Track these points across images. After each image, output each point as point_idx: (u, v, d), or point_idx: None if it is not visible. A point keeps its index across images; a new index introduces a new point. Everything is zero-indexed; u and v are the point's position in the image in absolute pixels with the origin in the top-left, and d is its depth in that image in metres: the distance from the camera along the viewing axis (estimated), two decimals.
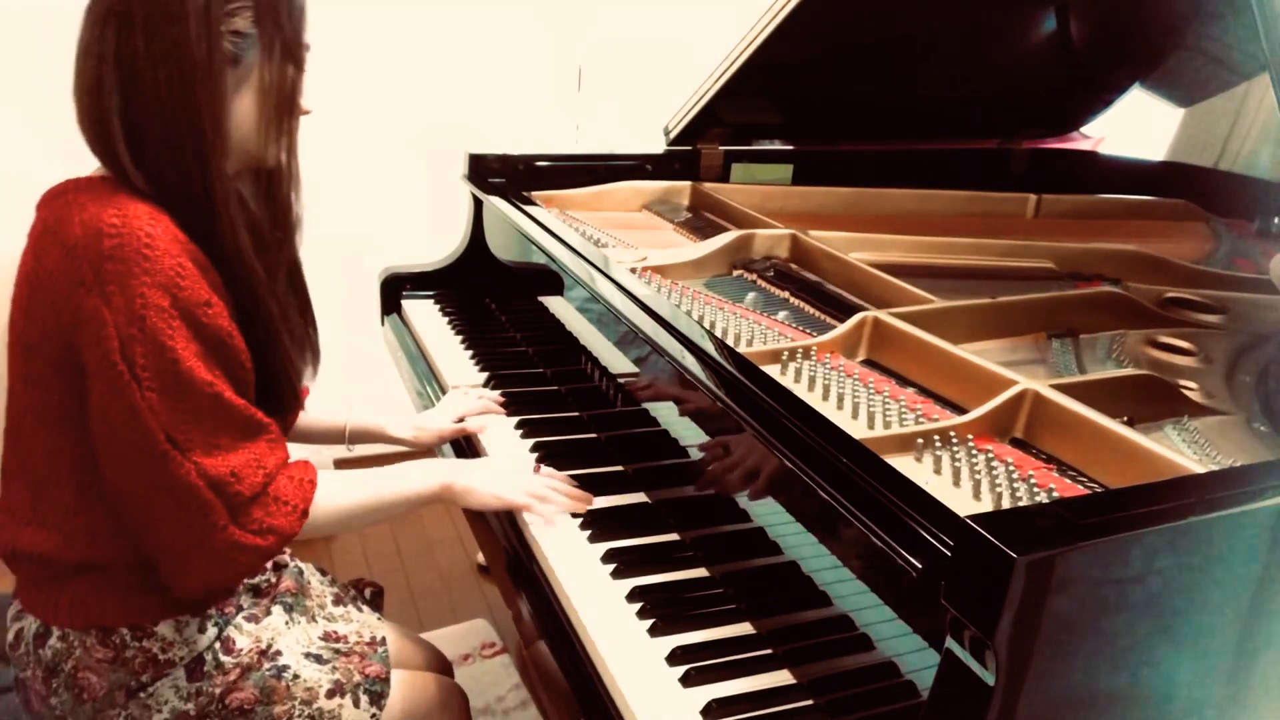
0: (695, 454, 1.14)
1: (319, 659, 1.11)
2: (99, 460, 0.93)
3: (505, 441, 1.36)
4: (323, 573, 1.27)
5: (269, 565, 1.17)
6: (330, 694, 1.08)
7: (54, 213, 0.92)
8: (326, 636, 1.15)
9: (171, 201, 0.93)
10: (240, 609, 1.09)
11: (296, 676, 1.07)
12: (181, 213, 0.93)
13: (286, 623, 1.12)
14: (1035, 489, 0.91)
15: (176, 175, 0.92)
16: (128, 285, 0.86)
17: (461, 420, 1.39)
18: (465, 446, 1.41)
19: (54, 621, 1.01)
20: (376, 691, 1.11)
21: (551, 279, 1.52)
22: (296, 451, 1.05)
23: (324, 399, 1.32)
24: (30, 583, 1.02)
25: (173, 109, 0.91)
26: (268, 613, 1.11)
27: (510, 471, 1.18)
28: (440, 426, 1.38)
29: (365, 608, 1.25)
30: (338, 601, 1.23)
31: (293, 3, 0.97)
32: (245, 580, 1.12)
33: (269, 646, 1.08)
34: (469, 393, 1.45)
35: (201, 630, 1.04)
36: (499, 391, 1.50)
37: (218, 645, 1.05)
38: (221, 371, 0.93)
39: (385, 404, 1.54)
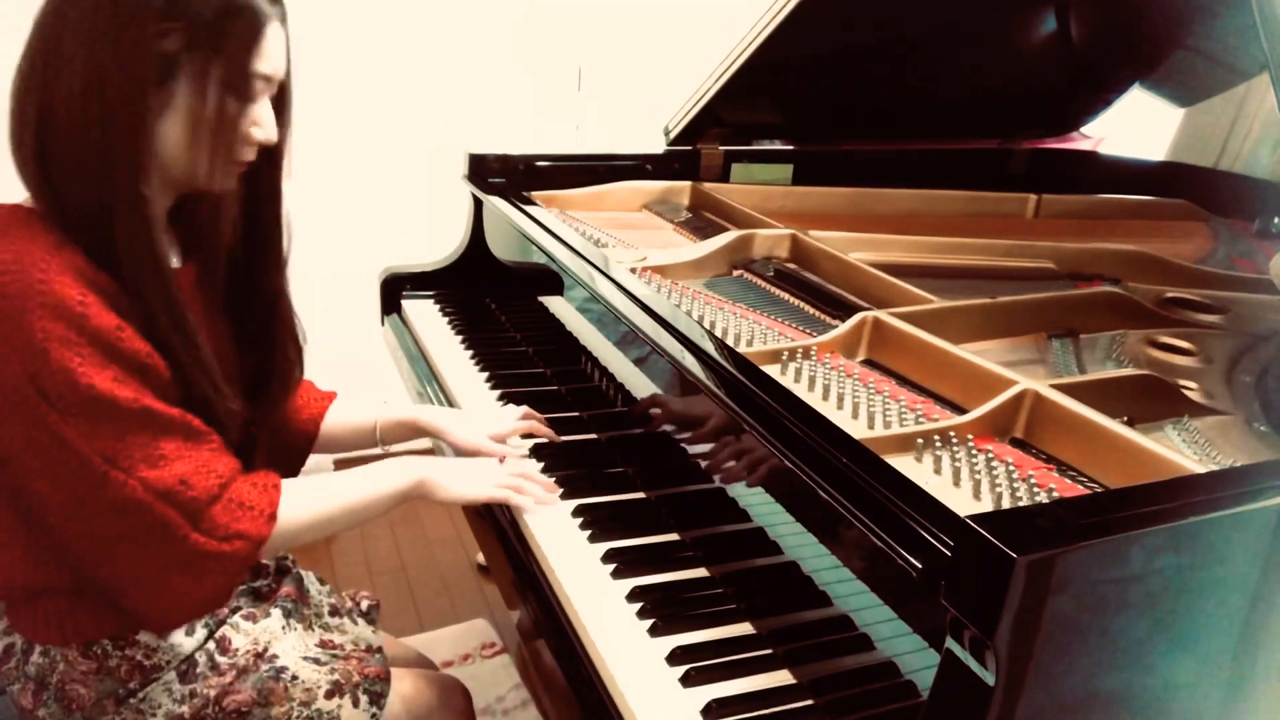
0: (695, 454, 1.14)
1: (316, 661, 1.10)
2: (42, 510, 0.90)
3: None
4: (321, 582, 1.27)
5: (271, 569, 1.17)
6: (329, 694, 1.07)
7: None
8: (323, 644, 1.14)
9: (77, 226, 0.89)
10: (237, 609, 1.08)
11: (295, 677, 1.07)
12: (89, 239, 0.89)
13: (284, 627, 1.11)
14: (1035, 489, 0.91)
15: (81, 193, 0.89)
16: (23, 321, 0.83)
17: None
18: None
19: (32, 638, 1.01)
20: (376, 691, 1.11)
21: (551, 279, 1.52)
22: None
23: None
24: (8, 603, 1.02)
25: (86, 125, 0.87)
26: (267, 615, 1.11)
27: (479, 466, 1.19)
28: (476, 443, 1.27)
29: (360, 620, 1.25)
30: (334, 612, 1.22)
31: (241, 31, 0.91)
32: (244, 584, 1.11)
33: (265, 649, 1.07)
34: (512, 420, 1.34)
35: (189, 633, 1.03)
36: (499, 392, 1.50)
37: (212, 645, 1.04)
38: (148, 389, 0.91)
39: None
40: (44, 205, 0.90)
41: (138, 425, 0.89)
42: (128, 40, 0.87)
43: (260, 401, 1.10)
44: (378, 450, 1.30)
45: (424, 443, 1.37)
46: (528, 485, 1.18)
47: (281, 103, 1.01)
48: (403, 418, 1.31)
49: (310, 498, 1.03)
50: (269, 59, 0.95)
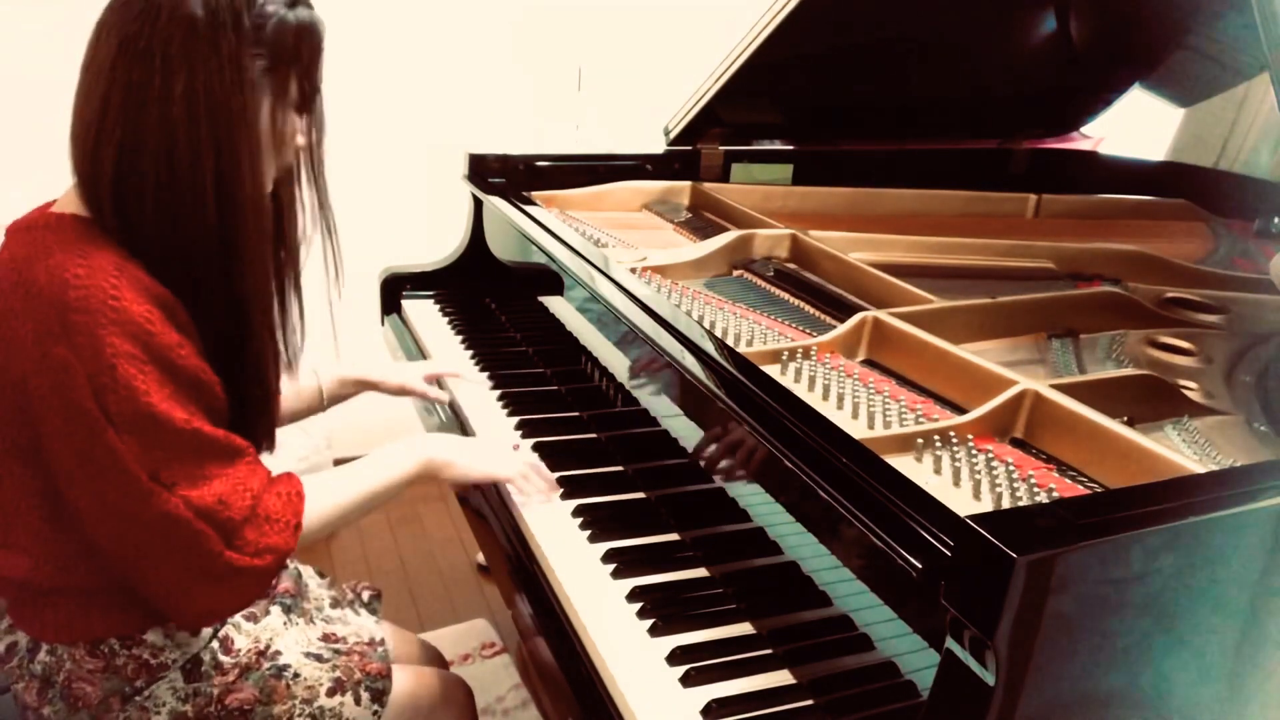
0: (695, 454, 1.14)
1: (319, 658, 1.11)
2: (81, 513, 0.91)
3: (503, 437, 1.36)
4: (321, 575, 1.27)
5: None
6: (331, 692, 1.08)
7: (22, 249, 0.90)
8: (325, 638, 1.15)
9: (148, 242, 0.91)
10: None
11: (297, 675, 1.07)
12: (158, 254, 0.91)
13: (285, 623, 1.12)
14: (1035, 489, 0.91)
15: (178, 213, 0.90)
16: (96, 335, 0.84)
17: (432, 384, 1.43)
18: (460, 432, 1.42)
19: (40, 637, 1.01)
20: (378, 688, 1.11)
21: (551, 279, 1.52)
22: (276, 461, 1.05)
23: None
24: (14, 602, 1.02)
25: (189, 148, 0.88)
26: (266, 613, 1.11)
27: (492, 448, 1.21)
28: (404, 380, 1.41)
29: (363, 610, 1.25)
30: (335, 604, 1.22)
31: (313, 48, 0.95)
32: None
33: (267, 647, 1.08)
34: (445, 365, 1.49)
35: (195, 633, 1.04)
36: (500, 392, 1.50)
37: (215, 645, 1.05)
38: (197, 407, 0.92)
39: (384, 403, 1.54)
40: (108, 222, 0.91)
41: (186, 446, 0.91)
42: (230, 65, 0.89)
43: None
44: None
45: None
46: (534, 478, 1.19)
47: None
48: (344, 376, 1.37)
49: (325, 497, 1.05)
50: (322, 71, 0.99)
